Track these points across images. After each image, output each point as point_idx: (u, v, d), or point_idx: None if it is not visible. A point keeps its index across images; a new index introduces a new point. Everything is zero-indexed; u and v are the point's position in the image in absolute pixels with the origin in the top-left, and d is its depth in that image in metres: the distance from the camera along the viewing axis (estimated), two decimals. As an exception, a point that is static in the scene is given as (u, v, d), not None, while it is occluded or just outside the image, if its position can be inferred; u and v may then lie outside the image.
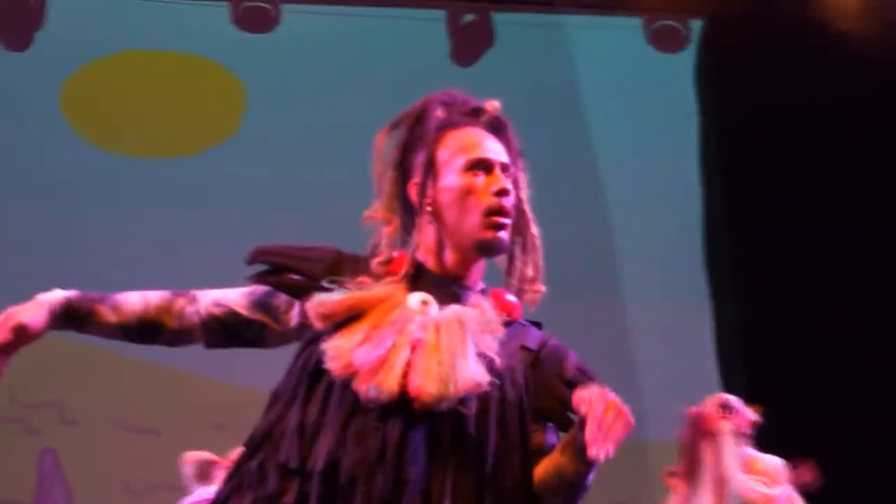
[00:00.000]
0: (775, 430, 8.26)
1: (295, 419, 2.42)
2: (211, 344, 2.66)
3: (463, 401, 2.38)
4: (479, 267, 2.62)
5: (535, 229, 2.70)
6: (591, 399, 2.32)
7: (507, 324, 2.55)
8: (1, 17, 8.21)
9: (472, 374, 2.39)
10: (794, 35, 8.23)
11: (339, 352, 2.41)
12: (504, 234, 2.57)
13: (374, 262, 2.57)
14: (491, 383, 2.41)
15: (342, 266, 2.56)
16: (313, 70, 8.38)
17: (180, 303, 2.62)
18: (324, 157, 8.23)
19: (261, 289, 2.62)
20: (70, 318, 2.55)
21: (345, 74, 8.36)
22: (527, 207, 2.69)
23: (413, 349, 2.40)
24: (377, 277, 2.53)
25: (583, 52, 8.78)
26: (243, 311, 2.61)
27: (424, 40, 8.44)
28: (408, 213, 2.63)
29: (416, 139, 2.69)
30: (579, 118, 8.64)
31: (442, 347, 2.41)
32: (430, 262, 2.58)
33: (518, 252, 2.66)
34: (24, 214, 7.84)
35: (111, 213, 8.02)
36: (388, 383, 2.36)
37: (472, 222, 2.56)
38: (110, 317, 2.57)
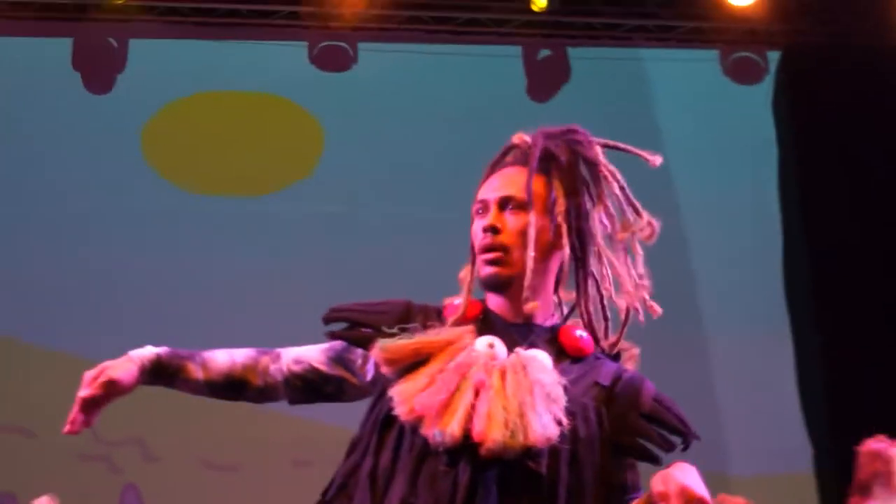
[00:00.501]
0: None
1: (367, 467, 2.44)
2: (294, 401, 2.71)
3: (531, 451, 2.37)
4: (543, 305, 2.60)
5: (594, 262, 2.65)
6: (669, 491, 2.30)
7: (578, 359, 2.55)
8: (84, 60, 8.32)
9: (542, 427, 2.37)
10: (872, 65, 8.17)
11: (404, 396, 2.42)
12: (492, 269, 2.57)
13: (444, 309, 2.61)
14: (562, 425, 2.40)
15: (411, 315, 2.60)
16: (390, 108, 8.42)
17: (265, 361, 2.67)
18: (401, 194, 8.26)
19: (338, 344, 2.68)
20: (159, 374, 2.62)
21: (422, 112, 8.39)
22: (590, 234, 2.65)
23: (477, 393, 2.40)
24: (446, 323, 2.56)
25: (659, 86, 8.77)
26: (322, 367, 2.65)
27: (500, 77, 8.45)
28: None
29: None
30: (657, 151, 8.59)
31: (508, 394, 2.39)
32: (496, 306, 2.60)
33: (582, 287, 2.65)
34: (105, 255, 7.92)
35: (192, 251, 8.08)
36: (451, 428, 2.36)
37: (477, 264, 2.62)
38: (198, 374, 2.63)
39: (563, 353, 2.56)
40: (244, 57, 8.44)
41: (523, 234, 2.57)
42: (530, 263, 2.54)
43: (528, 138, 2.75)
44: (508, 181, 2.66)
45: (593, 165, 2.77)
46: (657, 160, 2.83)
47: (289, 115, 8.54)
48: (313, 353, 2.68)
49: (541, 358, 2.48)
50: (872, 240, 8.32)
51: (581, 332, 2.61)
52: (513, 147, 2.75)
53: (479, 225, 2.62)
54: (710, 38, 8.66)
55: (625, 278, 2.66)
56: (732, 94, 8.69)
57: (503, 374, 2.42)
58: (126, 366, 2.59)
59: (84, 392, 2.61)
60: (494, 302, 2.60)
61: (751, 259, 8.52)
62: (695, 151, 8.57)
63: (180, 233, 8.15)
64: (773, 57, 8.76)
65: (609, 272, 2.67)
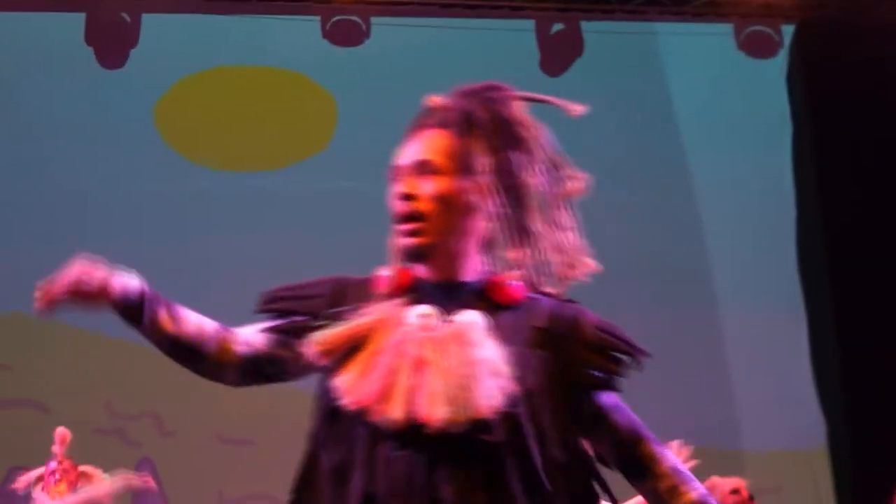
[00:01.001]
0: (874, 438, 8.15)
1: (326, 462, 2.41)
2: (236, 383, 2.64)
3: (480, 423, 2.30)
4: (471, 265, 2.50)
5: (531, 214, 2.53)
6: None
7: (512, 307, 2.47)
8: (97, 36, 8.32)
9: (487, 397, 2.32)
10: (886, 39, 8.13)
11: (346, 387, 2.37)
12: (410, 241, 2.45)
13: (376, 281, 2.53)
14: (508, 390, 2.34)
15: (346, 294, 2.51)
16: (403, 82, 8.40)
17: (228, 338, 2.59)
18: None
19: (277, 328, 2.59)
20: (135, 308, 2.49)
21: (434, 86, 8.35)
22: (523, 188, 2.53)
23: (416, 370, 2.35)
24: (380, 298, 2.48)
25: (673, 59, 8.74)
26: (264, 349, 2.60)
27: (513, 51, 8.43)
28: None
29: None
30: (671, 125, 8.59)
31: (447, 368, 2.34)
32: (423, 271, 2.50)
33: (529, 242, 2.52)
34: (120, 231, 7.93)
35: (206, 225, 8.09)
36: (394, 412, 2.31)
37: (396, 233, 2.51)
38: (168, 325, 2.54)
39: (495, 305, 2.46)
40: (257, 32, 8.43)
41: (441, 198, 2.47)
42: (454, 228, 2.46)
43: (444, 100, 2.62)
44: (425, 145, 2.54)
45: (514, 122, 2.62)
46: (578, 109, 2.73)
47: (303, 89, 8.54)
48: (255, 335, 2.63)
49: (475, 320, 2.41)
50: (887, 216, 8.29)
51: (507, 280, 2.49)
52: (430, 111, 2.61)
53: (395, 191, 2.52)
54: (725, 12, 8.63)
55: (556, 235, 2.57)
56: (746, 68, 8.66)
57: (441, 347, 2.37)
58: (123, 280, 2.46)
59: (78, 279, 2.43)
60: (419, 267, 2.50)
61: (765, 236, 8.50)
62: (708, 126, 8.55)
63: (197, 208, 8.17)
64: (788, 31, 8.73)
65: (541, 228, 2.55)
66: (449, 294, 2.46)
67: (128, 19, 8.31)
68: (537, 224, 2.53)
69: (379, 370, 2.35)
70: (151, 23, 8.33)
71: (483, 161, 2.50)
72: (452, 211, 2.47)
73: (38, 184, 8.10)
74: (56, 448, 6.18)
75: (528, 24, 8.54)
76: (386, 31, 8.39)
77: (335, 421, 2.42)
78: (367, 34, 8.38)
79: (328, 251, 7.70)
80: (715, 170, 8.53)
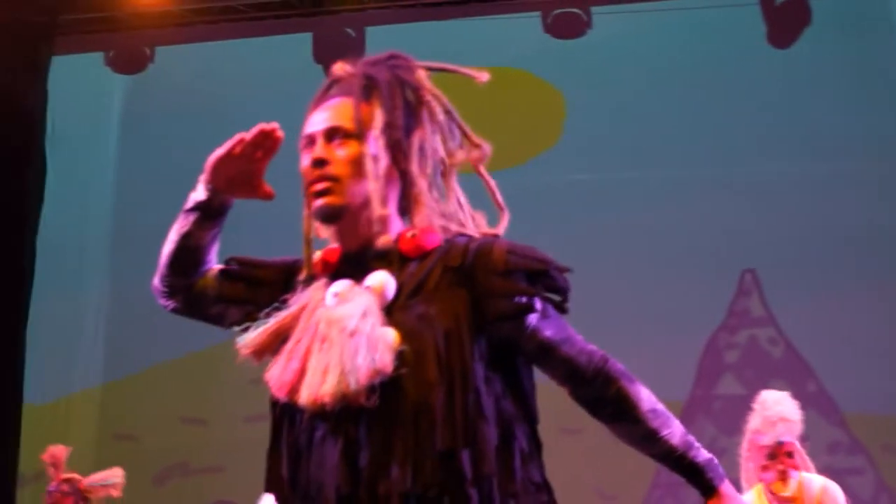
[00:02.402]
0: None
1: (279, 456, 2.44)
2: (181, 311, 2.68)
3: (374, 388, 2.29)
4: (385, 226, 2.49)
5: (415, 169, 2.53)
6: None
7: (424, 256, 2.46)
8: (324, 52, 8.50)
9: (369, 363, 2.29)
10: None
11: (272, 382, 2.38)
12: (323, 200, 2.46)
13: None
14: (413, 332, 2.34)
15: (292, 278, 2.55)
16: (628, 69, 8.34)
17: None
18: (646, 156, 8.17)
19: (233, 270, 2.64)
20: (222, 209, 2.64)
21: (660, 70, 8.28)
22: (407, 142, 2.55)
23: (321, 348, 2.35)
24: (305, 284, 2.50)
25: (906, 21, 8.45)
26: (213, 291, 2.63)
27: (739, 26, 8.27)
28: None
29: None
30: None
31: (335, 343, 2.32)
32: (335, 240, 2.53)
33: (417, 188, 2.53)
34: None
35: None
36: (301, 395, 2.32)
37: (308, 201, 2.51)
38: (208, 238, 2.66)
39: (406, 259, 2.46)
40: (479, 34, 8.47)
41: (353, 163, 2.48)
42: (366, 192, 2.47)
43: (348, 68, 2.64)
44: (333, 112, 2.54)
45: (416, 89, 2.65)
46: (483, 76, 2.70)
47: (529, 86, 8.55)
48: (215, 276, 2.66)
49: (379, 280, 2.41)
50: None
51: (413, 232, 2.49)
52: (335, 79, 2.63)
53: (306, 160, 2.52)
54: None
55: (453, 197, 2.59)
56: None
57: (329, 323, 2.36)
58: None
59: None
60: (331, 235, 2.53)
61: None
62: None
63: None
64: None
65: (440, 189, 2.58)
66: (364, 261, 2.46)
67: (352, 34, 8.47)
68: (436, 183, 2.56)
69: (294, 356, 2.36)
70: (375, 35, 8.47)
71: (388, 126, 2.53)
72: (364, 174, 2.48)
73: (271, 203, 8.29)
74: (50, 471, 6.02)
75: (753, -1, 8.37)
76: (607, 18, 8.34)
77: (277, 414, 2.46)
78: (588, 24, 8.34)
79: (566, 243, 7.69)
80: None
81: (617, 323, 6.93)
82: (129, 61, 8.81)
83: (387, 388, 2.30)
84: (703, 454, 2.42)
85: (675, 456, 2.41)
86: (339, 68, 2.64)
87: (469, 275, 2.42)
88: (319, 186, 2.48)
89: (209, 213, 2.62)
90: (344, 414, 2.33)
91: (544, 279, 2.43)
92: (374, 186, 2.48)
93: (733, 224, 7.87)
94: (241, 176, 2.57)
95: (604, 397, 2.44)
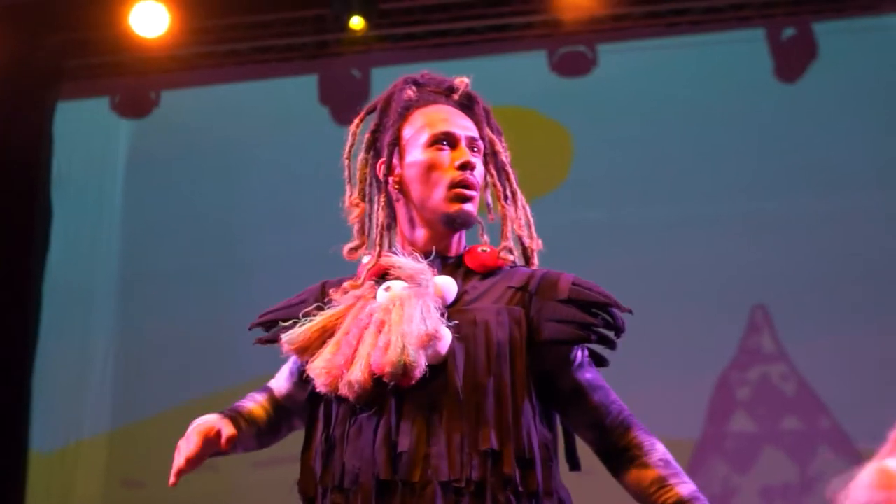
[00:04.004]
0: None
1: (315, 449, 2.43)
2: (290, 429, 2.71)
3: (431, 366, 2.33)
4: (458, 239, 2.59)
5: (519, 194, 2.71)
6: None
7: (489, 274, 2.52)
8: (330, 94, 8.49)
9: (424, 329, 2.32)
10: None
11: (317, 370, 2.38)
12: (469, 207, 2.54)
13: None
14: (468, 335, 2.37)
15: (327, 293, 2.55)
16: (636, 106, 8.32)
17: (271, 397, 2.66)
18: (657, 193, 8.14)
19: (293, 364, 2.64)
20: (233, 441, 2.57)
21: (669, 107, 8.26)
22: (510, 171, 2.71)
23: (377, 332, 2.37)
24: (354, 287, 2.52)
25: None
26: (294, 391, 2.64)
27: (745, 62, 8.26)
28: (380, 195, 2.61)
29: (385, 120, 2.69)
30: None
31: (394, 320, 2.35)
32: (404, 243, 2.56)
33: (510, 214, 2.65)
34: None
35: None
36: (356, 375, 2.32)
37: (438, 196, 2.53)
38: (246, 429, 2.61)
39: (470, 273, 2.53)
40: (485, 73, 8.40)
41: (480, 178, 2.62)
42: (520, 201, 2.69)
43: (466, 80, 2.82)
44: (464, 122, 2.66)
45: (499, 133, 2.81)
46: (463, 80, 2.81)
47: (536, 125, 8.53)
48: (283, 384, 2.68)
49: (444, 282, 2.45)
50: None
51: (483, 248, 2.58)
52: (452, 88, 2.76)
53: (447, 157, 2.57)
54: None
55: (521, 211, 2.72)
56: None
57: (394, 306, 2.39)
58: (224, 423, 2.54)
59: (189, 450, 2.55)
60: (404, 237, 2.59)
61: None
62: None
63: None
64: None
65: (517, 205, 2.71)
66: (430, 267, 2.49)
67: (358, 75, 8.47)
68: (520, 201, 2.71)
69: (345, 346, 2.38)
70: (381, 76, 8.46)
71: (492, 147, 2.68)
72: (480, 192, 2.61)
73: (278, 244, 8.28)
74: None
75: (758, 34, 8.35)
76: (613, 56, 8.33)
77: (316, 409, 2.47)
78: (594, 62, 8.33)
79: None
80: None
81: (626, 361, 6.87)
82: (135, 105, 8.80)
83: (433, 381, 2.33)
84: None
85: None
86: (461, 82, 2.80)
87: (531, 297, 2.48)
88: (469, 193, 2.55)
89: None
90: (385, 402, 2.34)
91: (603, 315, 2.48)
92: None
93: (742, 259, 7.83)
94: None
95: (620, 444, 2.46)
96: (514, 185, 2.70)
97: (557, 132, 8.51)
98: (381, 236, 2.57)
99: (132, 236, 8.74)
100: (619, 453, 2.45)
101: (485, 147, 2.65)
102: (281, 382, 2.70)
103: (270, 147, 8.52)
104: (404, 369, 2.29)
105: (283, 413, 2.67)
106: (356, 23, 8.25)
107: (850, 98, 8.00)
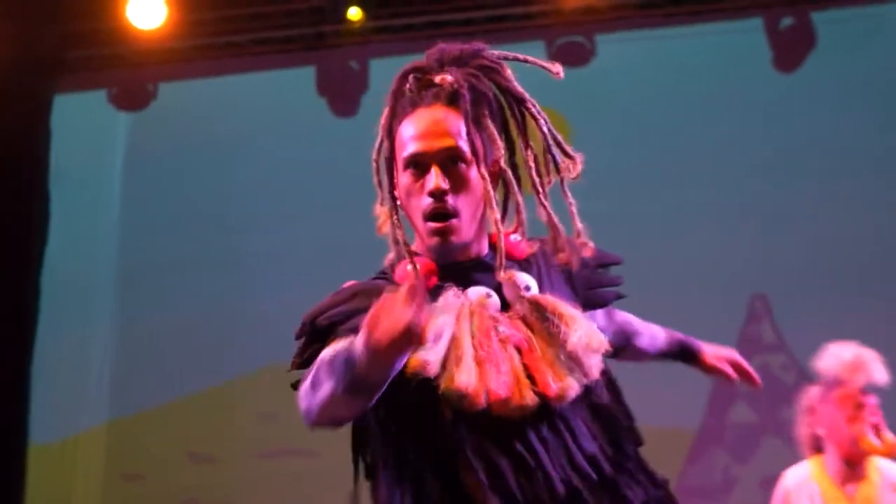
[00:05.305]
0: None
1: (503, 476, 2.27)
2: None
3: (589, 387, 2.36)
4: (481, 237, 2.47)
5: (518, 196, 2.54)
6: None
7: (527, 263, 2.51)
8: (328, 85, 8.48)
9: (594, 362, 2.33)
10: None
11: (470, 389, 2.21)
12: (447, 237, 2.36)
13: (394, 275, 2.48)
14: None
15: (371, 299, 2.18)
16: (635, 97, 8.31)
17: None
18: (659, 183, 8.12)
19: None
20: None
21: (668, 97, 8.25)
22: (506, 168, 2.52)
23: (519, 353, 2.30)
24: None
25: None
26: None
27: (743, 52, 8.25)
28: (394, 213, 2.51)
29: (389, 123, 2.50)
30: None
31: (547, 341, 2.31)
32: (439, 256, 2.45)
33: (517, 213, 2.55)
34: (364, 276, 8.01)
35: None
36: (529, 397, 2.25)
37: (419, 225, 2.40)
38: None
39: (515, 262, 2.50)
40: (483, 63, 8.43)
41: (470, 192, 2.39)
42: (478, 218, 2.42)
43: (449, 77, 2.44)
44: (444, 128, 2.39)
45: (521, 102, 2.63)
46: (558, 69, 2.76)
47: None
48: None
49: (532, 283, 2.44)
50: None
51: (515, 236, 2.52)
52: (432, 84, 2.45)
53: (413, 184, 2.38)
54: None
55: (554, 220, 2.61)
56: None
57: (527, 324, 2.34)
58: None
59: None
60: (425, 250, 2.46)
61: None
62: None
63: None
64: None
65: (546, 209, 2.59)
66: (477, 269, 2.42)
67: (356, 66, 8.45)
68: (547, 204, 2.59)
69: (493, 362, 2.26)
70: (379, 67, 8.44)
71: (497, 146, 2.48)
72: (478, 202, 2.41)
73: (277, 234, 8.27)
74: None
75: (756, 23, 8.33)
76: (612, 46, 8.31)
77: (449, 428, 2.28)
78: (593, 52, 8.31)
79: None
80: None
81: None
82: (133, 98, 8.79)
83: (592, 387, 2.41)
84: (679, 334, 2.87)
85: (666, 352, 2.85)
86: (441, 78, 2.45)
87: (572, 274, 2.55)
88: (439, 226, 2.36)
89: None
90: (538, 413, 2.29)
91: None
92: (490, 214, 2.43)
93: (742, 249, 7.82)
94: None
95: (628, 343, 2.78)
96: (513, 190, 2.52)
97: (556, 122, 8.44)
98: (409, 253, 2.43)
99: (130, 229, 8.72)
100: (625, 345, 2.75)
101: (477, 148, 2.43)
102: None
103: (268, 138, 8.50)
104: (573, 391, 2.31)
105: None
106: (354, 13, 8.24)
107: (849, 87, 7.99)
